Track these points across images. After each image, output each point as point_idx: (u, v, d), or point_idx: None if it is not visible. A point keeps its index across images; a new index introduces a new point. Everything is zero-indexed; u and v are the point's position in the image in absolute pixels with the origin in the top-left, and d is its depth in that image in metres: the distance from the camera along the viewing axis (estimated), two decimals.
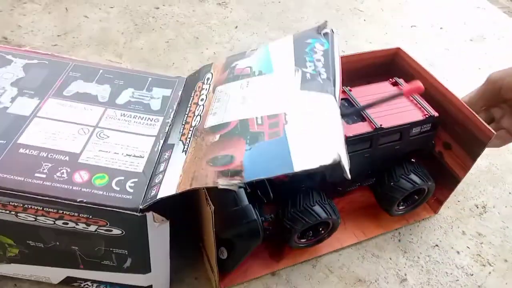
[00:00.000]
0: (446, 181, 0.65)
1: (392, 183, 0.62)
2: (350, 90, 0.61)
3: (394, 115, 0.59)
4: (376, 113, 0.58)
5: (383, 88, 0.63)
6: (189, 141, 0.49)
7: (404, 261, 0.63)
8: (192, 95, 0.57)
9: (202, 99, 0.55)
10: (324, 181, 0.60)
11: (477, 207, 0.73)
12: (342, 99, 0.60)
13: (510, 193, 0.76)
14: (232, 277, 0.58)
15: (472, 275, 0.63)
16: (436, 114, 0.59)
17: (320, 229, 0.60)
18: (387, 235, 0.66)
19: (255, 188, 0.57)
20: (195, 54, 0.99)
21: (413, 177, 0.62)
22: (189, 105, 0.56)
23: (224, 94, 0.52)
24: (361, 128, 0.56)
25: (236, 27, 1.09)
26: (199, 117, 0.52)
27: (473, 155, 0.60)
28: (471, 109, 0.58)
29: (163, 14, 1.11)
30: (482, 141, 0.57)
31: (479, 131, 0.57)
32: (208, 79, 0.58)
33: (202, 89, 0.57)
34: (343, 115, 0.49)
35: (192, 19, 1.11)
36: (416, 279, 0.61)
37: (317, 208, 0.56)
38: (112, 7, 1.11)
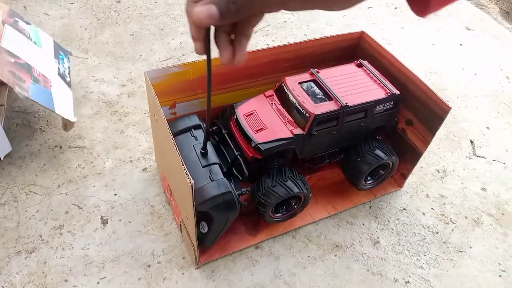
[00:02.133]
0: (409, 156, 0.70)
1: (359, 159, 0.67)
2: (318, 72, 0.65)
3: (358, 94, 0.62)
4: (341, 92, 0.62)
5: (348, 69, 0.67)
6: None
7: (375, 226, 0.68)
8: None
9: None
10: (295, 158, 0.63)
11: (438, 172, 0.79)
12: (310, 80, 0.63)
13: (466, 157, 0.82)
14: (210, 253, 0.61)
15: (437, 233, 0.68)
16: (398, 92, 0.64)
17: (293, 203, 0.64)
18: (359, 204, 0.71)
19: (231, 167, 0.60)
20: (161, 45, 1.00)
21: (378, 152, 0.66)
22: None
23: (14, 35, 0.73)
24: (328, 107, 0.60)
25: None
26: None
27: (433, 130, 0.65)
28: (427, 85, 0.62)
29: (125, 8, 1.11)
30: (441, 116, 0.62)
31: (437, 107, 0.62)
32: None
33: None
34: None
35: (155, 11, 1.11)
36: (387, 240, 0.66)
37: (289, 183, 0.60)
38: (72, 3, 1.10)
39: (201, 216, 0.57)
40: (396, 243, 0.66)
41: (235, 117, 0.61)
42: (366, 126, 0.65)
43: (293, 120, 0.60)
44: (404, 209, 0.71)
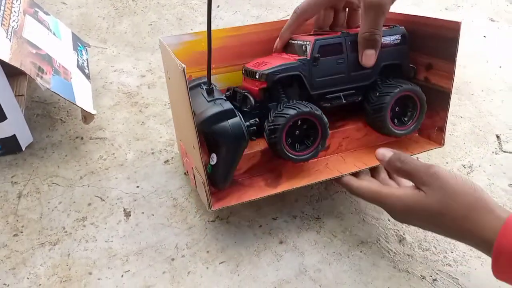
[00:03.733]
0: (439, 102, 0.66)
1: (378, 94, 0.63)
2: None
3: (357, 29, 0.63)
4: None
5: None
6: (11, 35, 0.64)
7: None
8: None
9: (14, 10, 0.70)
10: (306, 92, 0.61)
11: (464, 167, 0.77)
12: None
13: (493, 152, 0.80)
14: (226, 200, 0.58)
15: None
16: (401, 26, 0.64)
17: (311, 137, 0.61)
18: None
19: (241, 107, 0.61)
20: None
21: (397, 82, 0.64)
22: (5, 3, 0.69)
23: (34, 26, 0.73)
24: (329, 35, 0.61)
25: (218, 6, 1.09)
26: (15, 22, 0.68)
27: (452, 57, 0.61)
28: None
29: None
30: (453, 36, 0.59)
31: (445, 29, 0.60)
32: None
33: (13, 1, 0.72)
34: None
35: (173, 1, 1.10)
36: (414, 237, 0.65)
37: (297, 104, 0.57)
38: None
39: (208, 146, 0.57)
40: (422, 240, 0.65)
41: (243, 70, 0.63)
42: (377, 61, 0.62)
43: (297, 56, 0.61)
44: None
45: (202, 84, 0.60)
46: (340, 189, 0.70)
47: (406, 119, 0.67)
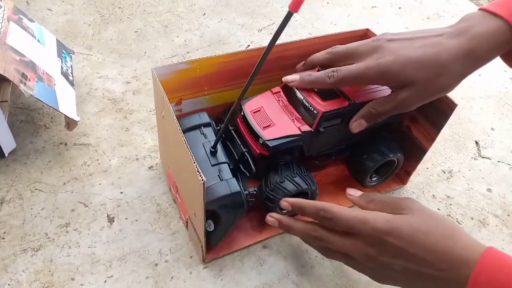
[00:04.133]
0: (414, 153, 0.70)
1: (364, 156, 0.67)
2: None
3: (364, 92, 0.62)
4: (348, 89, 0.61)
5: None
6: None
7: None
8: None
9: None
10: (302, 155, 0.63)
11: (444, 173, 0.79)
12: None
13: (472, 158, 0.82)
14: (217, 250, 0.61)
15: None
16: None
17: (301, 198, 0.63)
18: None
19: (238, 163, 0.60)
20: (166, 43, 0.99)
21: (384, 149, 0.67)
22: None
23: (19, 33, 0.72)
24: (336, 103, 0.59)
25: (204, 14, 1.10)
26: None
27: (438, 127, 0.65)
28: None
29: (128, 4, 1.11)
30: (446, 113, 0.62)
31: (443, 103, 0.62)
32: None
33: None
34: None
35: (159, 8, 1.11)
36: None
37: (297, 179, 0.60)
38: None
39: (207, 215, 0.57)
40: None
41: (242, 113, 0.61)
42: (373, 124, 0.65)
43: (300, 117, 0.60)
44: None
45: (202, 128, 0.60)
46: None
47: (381, 174, 0.72)
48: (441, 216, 0.48)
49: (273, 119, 0.60)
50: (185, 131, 0.58)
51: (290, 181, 0.59)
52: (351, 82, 0.56)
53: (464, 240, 0.45)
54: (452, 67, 0.51)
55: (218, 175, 0.54)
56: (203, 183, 0.45)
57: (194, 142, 0.57)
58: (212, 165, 0.55)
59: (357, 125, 0.57)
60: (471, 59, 0.52)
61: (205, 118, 0.61)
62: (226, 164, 0.56)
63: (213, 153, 0.56)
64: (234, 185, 0.53)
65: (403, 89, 0.53)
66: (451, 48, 0.51)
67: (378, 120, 0.56)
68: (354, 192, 0.56)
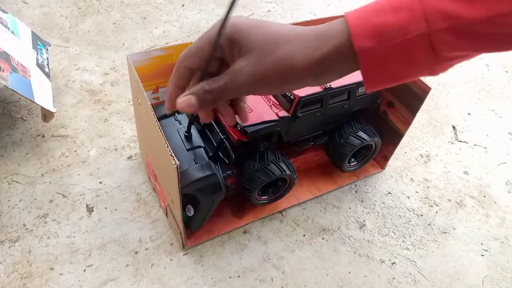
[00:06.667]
0: (390, 137, 0.71)
1: (342, 141, 0.68)
2: None
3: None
4: None
5: None
6: None
7: (362, 209, 0.69)
8: None
9: None
10: (281, 141, 0.63)
11: (422, 157, 0.80)
12: None
13: (449, 142, 0.84)
14: (197, 236, 0.61)
15: (422, 215, 0.69)
16: None
17: (280, 184, 0.64)
18: (344, 188, 0.72)
19: (217, 151, 0.60)
20: (144, 34, 0.99)
21: (361, 134, 0.67)
22: None
23: None
24: (312, 89, 0.60)
25: (183, 5, 1.10)
26: None
27: (414, 111, 0.66)
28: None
29: None
30: (421, 96, 0.63)
31: (418, 88, 0.63)
32: None
33: None
34: None
35: (137, 0, 1.10)
36: (373, 223, 0.67)
37: (271, 166, 0.60)
38: None
39: (187, 199, 0.57)
40: (382, 226, 0.67)
41: None
42: (349, 108, 0.65)
43: (278, 103, 0.60)
44: (389, 193, 0.72)
45: (177, 114, 0.59)
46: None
47: (359, 158, 0.73)
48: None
49: (250, 105, 0.60)
50: (160, 118, 0.58)
51: (264, 169, 0.60)
52: None
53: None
54: (298, 46, 0.40)
55: (194, 159, 0.54)
56: (177, 166, 0.45)
57: (169, 129, 0.57)
58: (188, 150, 0.55)
59: (185, 101, 0.40)
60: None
61: None
62: (202, 148, 0.56)
63: (188, 137, 0.56)
64: (209, 167, 0.54)
65: (239, 60, 0.40)
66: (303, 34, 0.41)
67: (210, 100, 0.41)
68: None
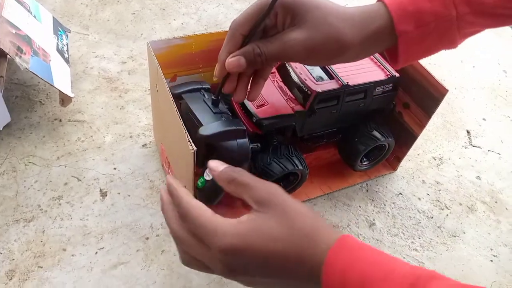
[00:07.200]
0: (404, 139, 0.71)
1: (356, 139, 0.68)
2: None
3: (359, 75, 0.63)
4: (342, 72, 0.62)
5: None
6: None
7: (372, 208, 0.69)
8: None
9: None
10: (294, 136, 0.64)
11: (435, 159, 0.80)
12: None
13: (462, 146, 0.83)
14: None
15: (432, 217, 0.69)
16: (397, 74, 0.64)
17: (291, 179, 0.65)
18: (355, 187, 0.72)
19: None
20: (163, 25, 0.99)
21: (375, 133, 0.67)
22: None
23: (15, 6, 0.73)
24: (329, 85, 0.60)
25: None
26: None
27: (429, 113, 0.65)
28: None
29: None
30: (438, 98, 0.63)
31: (435, 89, 0.63)
32: None
33: None
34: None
35: None
36: (383, 223, 0.67)
37: (283, 160, 0.60)
38: None
39: (208, 155, 0.55)
40: (391, 226, 0.67)
41: None
42: (365, 107, 0.66)
43: (294, 98, 0.60)
44: (400, 193, 0.72)
45: (203, 90, 0.58)
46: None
47: (372, 158, 0.73)
48: (303, 210, 0.37)
49: (267, 98, 0.60)
50: (185, 91, 0.57)
51: (276, 163, 0.60)
52: None
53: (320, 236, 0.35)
54: (347, 24, 0.44)
55: (222, 119, 0.53)
56: (194, 152, 0.45)
57: (195, 99, 0.56)
58: (215, 113, 0.54)
59: (234, 61, 0.44)
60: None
61: (205, 84, 0.60)
62: (228, 115, 0.55)
63: (215, 102, 0.54)
64: (239, 123, 0.52)
65: (292, 28, 0.44)
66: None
67: (259, 62, 0.44)
68: (216, 165, 0.40)
